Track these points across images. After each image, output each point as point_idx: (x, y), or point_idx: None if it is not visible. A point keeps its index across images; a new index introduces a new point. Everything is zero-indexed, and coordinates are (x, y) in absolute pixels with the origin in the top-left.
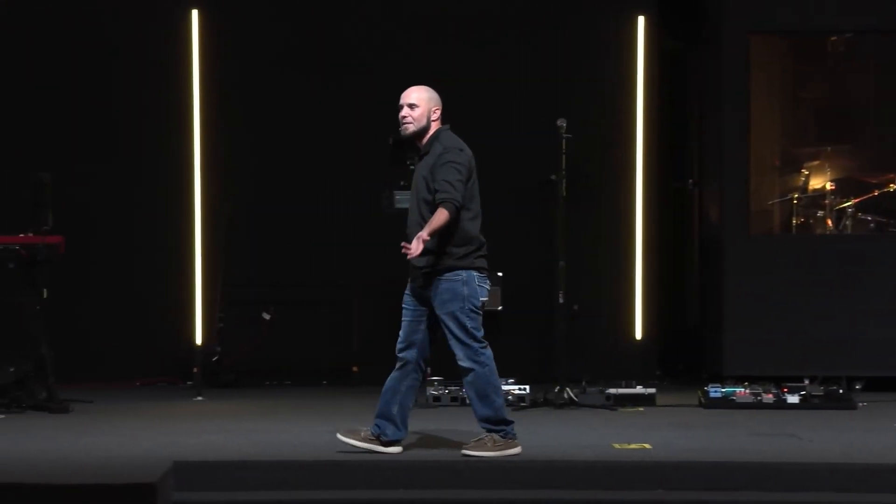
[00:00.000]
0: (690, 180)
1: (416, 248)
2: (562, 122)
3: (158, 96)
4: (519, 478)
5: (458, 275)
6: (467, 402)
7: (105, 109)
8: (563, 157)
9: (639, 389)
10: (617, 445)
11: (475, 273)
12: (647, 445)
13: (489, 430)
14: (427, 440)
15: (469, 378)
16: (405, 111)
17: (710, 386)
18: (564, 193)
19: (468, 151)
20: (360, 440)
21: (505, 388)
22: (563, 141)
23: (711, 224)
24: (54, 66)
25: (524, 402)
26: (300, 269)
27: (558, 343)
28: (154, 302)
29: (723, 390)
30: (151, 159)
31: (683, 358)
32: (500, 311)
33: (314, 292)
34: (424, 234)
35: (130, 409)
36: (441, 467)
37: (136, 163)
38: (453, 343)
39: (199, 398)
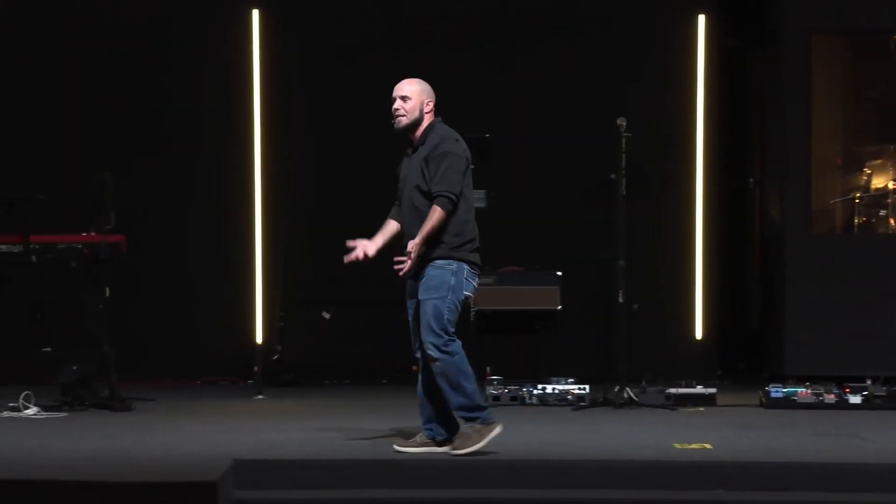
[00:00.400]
0: (751, 179)
1: (409, 264)
2: (622, 122)
3: (219, 95)
4: (579, 477)
5: (450, 264)
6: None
7: (165, 108)
8: (623, 156)
9: (699, 389)
10: (677, 445)
11: (466, 266)
12: (707, 445)
13: (468, 420)
14: None
15: (438, 368)
16: (397, 104)
17: (771, 386)
18: (624, 193)
19: (463, 143)
20: (416, 446)
21: (564, 387)
22: (623, 140)
23: (772, 223)
24: (115, 65)
25: (584, 401)
26: (360, 267)
27: (618, 343)
28: (215, 301)
29: (784, 390)
30: (212, 158)
31: (744, 358)
32: (559, 310)
33: (374, 291)
34: (418, 238)
35: (192, 407)
36: (500, 467)
37: (197, 162)
38: (425, 329)
39: (260, 397)
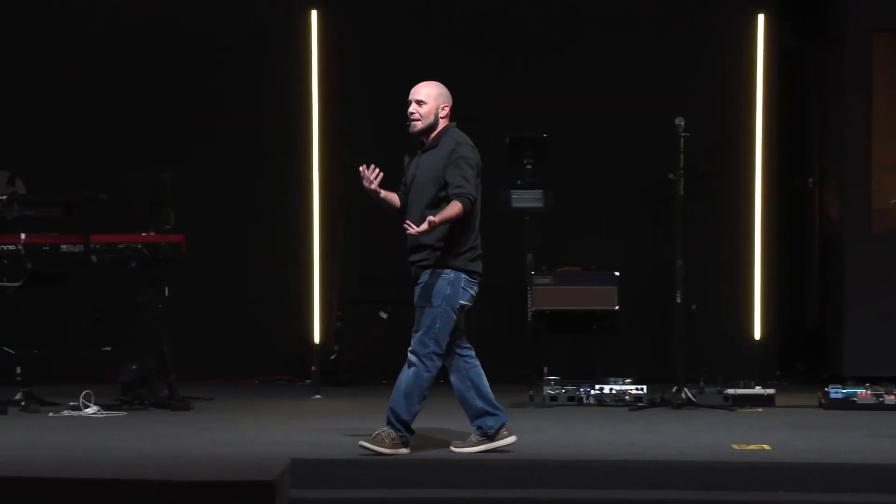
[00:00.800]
0: (810, 179)
1: (422, 226)
2: (680, 121)
3: (277, 94)
4: (637, 478)
5: (447, 273)
6: (583, 400)
7: (224, 108)
8: (682, 155)
9: (757, 390)
10: (735, 446)
11: (464, 275)
12: (766, 446)
13: (389, 424)
14: (542, 440)
15: (409, 372)
16: (413, 107)
17: (830, 387)
18: (682, 192)
19: (476, 151)
20: (473, 446)
21: (622, 388)
22: (682, 140)
23: (831, 223)
24: (175, 65)
25: (641, 402)
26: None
27: (676, 343)
28: (273, 301)
29: (843, 391)
30: (270, 158)
31: (803, 358)
32: (617, 310)
33: None
34: (436, 218)
35: (250, 406)
36: (558, 467)
37: (255, 161)
38: (414, 336)
39: (317, 396)
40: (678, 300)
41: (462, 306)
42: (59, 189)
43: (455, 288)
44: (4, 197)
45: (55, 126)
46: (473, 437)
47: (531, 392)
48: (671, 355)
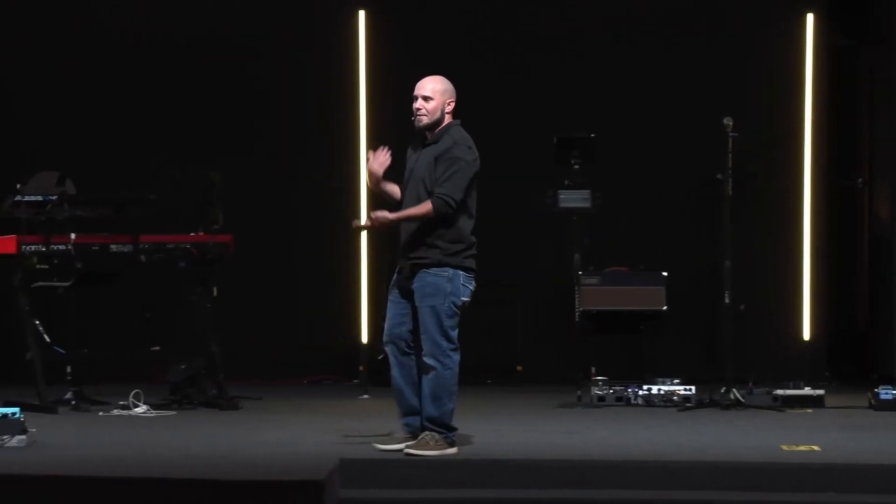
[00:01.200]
0: (860, 178)
1: (366, 223)
2: (728, 121)
3: (325, 96)
4: (686, 479)
5: (445, 271)
6: (631, 400)
7: (272, 109)
8: (729, 155)
9: (807, 391)
10: (785, 447)
11: (462, 272)
12: (815, 447)
13: (429, 430)
14: (590, 440)
15: (429, 376)
16: (419, 103)
17: (880, 387)
18: (730, 192)
19: (476, 151)
20: (396, 443)
21: (670, 388)
22: (730, 140)
23: (881, 223)
24: (223, 65)
25: (689, 402)
26: None
27: (724, 343)
28: (320, 300)
29: (893, 392)
30: (318, 159)
31: (853, 359)
32: (665, 310)
33: (478, 291)
34: (391, 215)
35: (298, 406)
36: (608, 467)
37: (303, 162)
38: (424, 338)
39: (365, 396)
40: (726, 300)
41: (463, 303)
42: (108, 189)
43: (455, 285)
44: (55, 197)
45: (105, 126)
46: (398, 435)
47: (579, 392)
48: (719, 356)
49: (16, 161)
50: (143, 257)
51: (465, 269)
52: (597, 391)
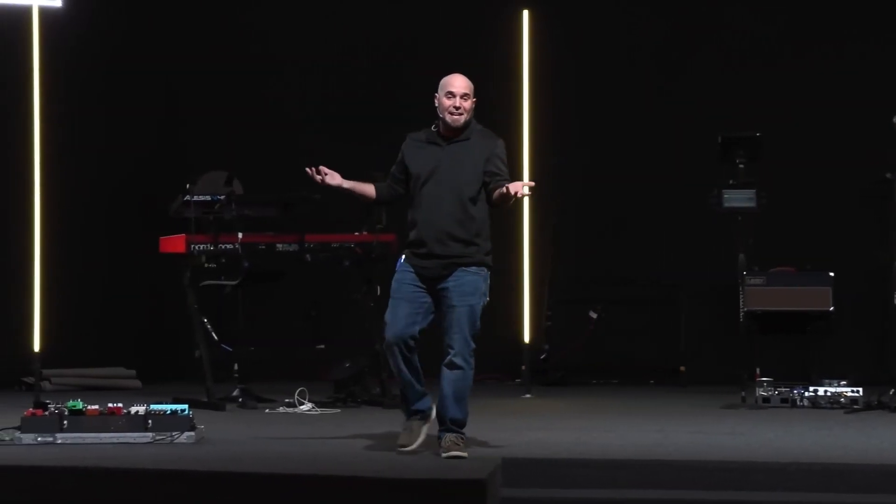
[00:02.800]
0: None
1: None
2: None
3: (487, 95)
4: (856, 481)
5: (482, 271)
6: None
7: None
8: None
9: None
10: None
11: (488, 271)
12: None
13: (451, 431)
14: (755, 442)
15: (455, 376)
16: (459, 101)
17: None
18: None
19: None
20: (418, 433)
21: (836, 390)
22: None
23: None
24: (381, 65)
25: (857, 404)
26: (627, 267)
27: (893, 344)
28: None
29: None
30: None
31: None
32: (832, 311)
33: (641, 291)
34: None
35: None
36: (774, 469)
37: None
38: (457, 337)
39: (528, 395)
40: (895, 301)
41: (486, 302)
42: (274, 189)
43: (487, 284)
44: (223, 197)
45: (271, 127)
46: (414, 425)
47: (744, 393)
48: (888, 357)
49: (184, 161)
50: (308, 256)
51: (489, 268)
52: (762, 392)
